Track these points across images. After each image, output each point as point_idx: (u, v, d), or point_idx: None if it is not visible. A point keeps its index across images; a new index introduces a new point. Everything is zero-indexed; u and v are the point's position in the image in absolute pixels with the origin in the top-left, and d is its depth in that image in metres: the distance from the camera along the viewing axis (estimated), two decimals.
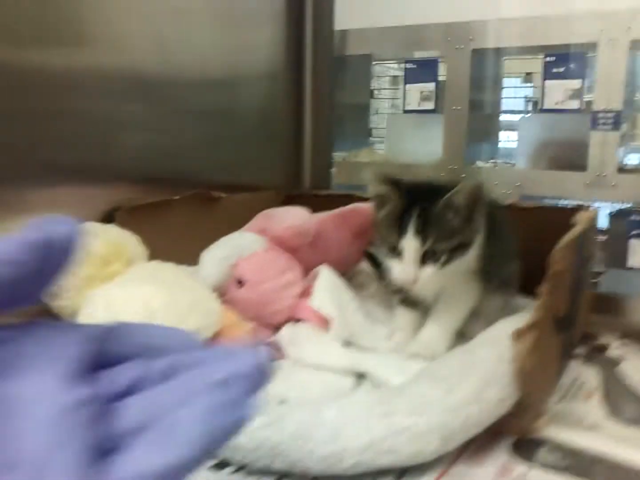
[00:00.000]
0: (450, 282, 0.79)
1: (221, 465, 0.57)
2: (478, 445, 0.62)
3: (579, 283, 0.84)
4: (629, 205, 1.46)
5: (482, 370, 0.59)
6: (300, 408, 0.56)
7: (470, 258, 0.78)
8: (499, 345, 0.62)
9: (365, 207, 0.94)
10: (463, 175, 0.94)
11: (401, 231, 0.74)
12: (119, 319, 0.63)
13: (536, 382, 0.61)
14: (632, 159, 2.11)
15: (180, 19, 1.03)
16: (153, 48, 0.99)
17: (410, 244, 0.73)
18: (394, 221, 0.75)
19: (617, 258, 1.29)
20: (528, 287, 0.91)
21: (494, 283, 0.85)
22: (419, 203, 0.74)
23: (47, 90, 0.82)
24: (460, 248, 0.76)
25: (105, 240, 0.75)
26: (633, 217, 1.35)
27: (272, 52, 1.28)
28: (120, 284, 0.69)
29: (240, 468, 0.56)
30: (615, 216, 1.28)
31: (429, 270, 0.74)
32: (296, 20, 1.32)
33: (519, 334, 0.59)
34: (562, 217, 0.82)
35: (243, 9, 1.18)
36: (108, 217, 0.89)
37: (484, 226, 0.80)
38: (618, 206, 1.34)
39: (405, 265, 0.74)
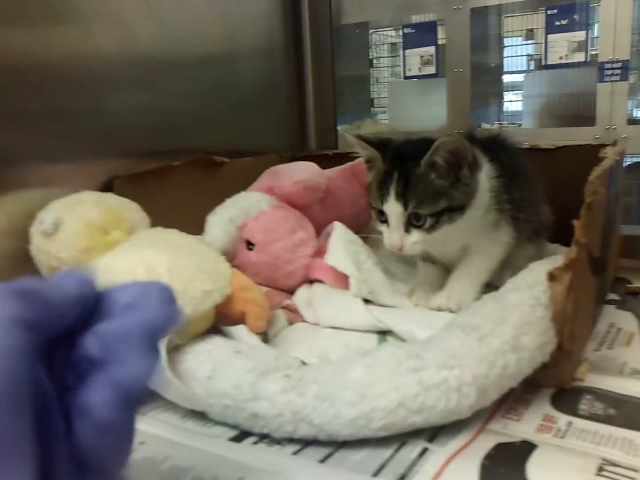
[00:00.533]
0: (474, 235, 0.75)
1: (241, 436, 0.53)
2: (514, 399, 0.57)
3: (611, 223, 0.79)
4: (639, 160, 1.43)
5: (516, 316, 0.54)
6: (323, 369, 0.52)
7: (481, 213, 0.73)
8: (533, 289, 0.57)
9: None
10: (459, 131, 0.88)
11: (384, 195, 0.70)
12: None
13: (576, 326, 0.57)
14: None
15: None
16: (149, 22, 0.96)
17: (392, 208, 0.69)
18: (378, 184, 0.71)
19: (630, 213, 1.26)
20: (556, 234, 0.87)
21: (525, 233, 0.80)
22: (400, 165, 0.69)
23: (43, 66, 0.78)
24: (451, 211, 0.70)
25: (102, 208, 0.70)
26: None
27: (270, 24, 1.26)
28: (121, 251, 0.65)
29: (262, 438, 0.52)
30: (627, 169, 1.24)
31: (415, 235, 0.70)
32: None
33: (555, 274, 0.54)
34: (586, 156, 0.76)
35: None
36: (106, 187, 0.85)
37: (505, 173, 0.75)
38: (629, 159, 1.31)
39: (391, 231, 0.71)
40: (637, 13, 1.36)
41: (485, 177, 0.73)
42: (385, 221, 0.71)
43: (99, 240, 0.68)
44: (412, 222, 0.70)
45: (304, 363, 0.59)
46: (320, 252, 0.82)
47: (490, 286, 0.77)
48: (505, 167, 0.76)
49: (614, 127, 1.26)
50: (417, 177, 0.68)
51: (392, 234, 0.70)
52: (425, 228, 0.69)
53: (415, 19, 1.82)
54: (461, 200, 0.70)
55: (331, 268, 0.76)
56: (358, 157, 0.94)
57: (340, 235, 0.80)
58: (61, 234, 0.68)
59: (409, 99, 1.92)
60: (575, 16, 1.45)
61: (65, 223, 0.68)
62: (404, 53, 1.73)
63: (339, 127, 1.43)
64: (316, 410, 0.49)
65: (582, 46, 1.46)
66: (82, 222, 0.68)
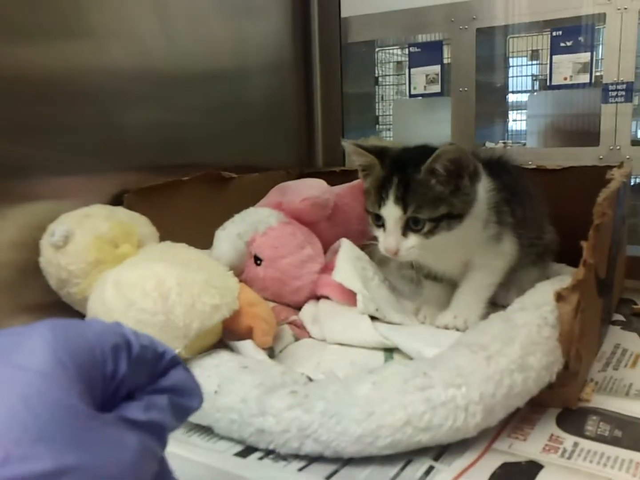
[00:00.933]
0: (475, 250, 0.75)
1: (247, 451, 0.53)
2: (520, 419, 0.57)
3: (617, 244, 0.79)
4: None
5: (523, 335, 0.55)
6: (330, 385, 0.52)
7: (480, 226, 0.73)
8: (540, 309, 0.58)
9: None
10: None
11: (382, 199, 0.70)
12: (130, 300, 0.59)
13: (582, 346, 0.57)
14: None
15: (189, 9, 1.02)
16: (163, 38, 0.97)
17: (390, 211, 0.70)
18: (376, 189, 0.72)
19: (634, 233, 1.26)
20: (562, 254, 0.87)
21: (529, 255, 0.80)
22: (400, 170, 0.70)
23: (55, 79, 0.79)
24: (449, 218, 0.70)
25: (112, 222, 0.71)
26: None
27: (281, 41, 1.27)
28: (130, 265, 0.65)
29: (268, 454, 0.52)
30: (630, 190, 1.25)
31: (412, 240, 0.70)
32: (302, 9, 1.31)
33: (562, 295, 0.54)
34: (591, 178, 0.77)
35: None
36: (116, 201, 0.85)
37: (505, 188, 0.75)
38: (633, 180, 1.31)
39: (387, 235, 0.71)
40: None
41: (483, 189, 0.74)
42: (381, 225, 0.72)
43: (108, 253, 0.69)
44: (410, 226, 0.70)
45: (310, 379, 0.59)
46: (327, 268, 0.82)
47: (497, 306, 0.77)
48: (506, 185, 0.76)
49: (617, 147, 1.27)
50: (418, 182, 0.69)
51: (389, 238, 0.70)
52: (423, 232, 0.70)
53: (421, 38, 1.84)
54: (460, 208, 0.71)
55: (338, 284, 0.76)
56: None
57: (347, 251, 0.80)
58: (71, 246, 0.68)
59: (413, 117, 1.94)
60: (580, 38, 1.46)
61: (75, 236, 0.68)
62: (409, 71, 1.74)
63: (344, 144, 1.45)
64: (323, 427, 0.49)
65: (587, 67, 1.47)
66: (92, 235, 0.69)
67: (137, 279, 0.61)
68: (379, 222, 0.72)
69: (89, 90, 0.83)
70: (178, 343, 0.60)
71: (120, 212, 0.76)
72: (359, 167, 0.77)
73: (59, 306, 0.71)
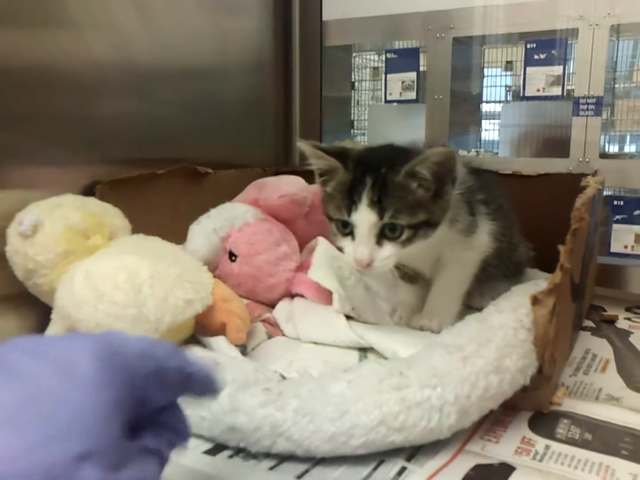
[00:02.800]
0: (447, 245, 0.71)
1: (216, 449, 0.52)
2: (493, 421, 0.58)
3: (591, 251, 0.80)
4: (610, 193, 1.47)
5: (500, 337, 0.55)
6: (305, 383, 0.52)
7: (445, 225, 0.68)
8: (516, 312, 0.58)
9: None
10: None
11: (351, 203, 0.62)
12: (100, 292, 0.57)
13: (556, 351, 0.57)
14: (613, 145, 2.13)
15: (170, 3, 1.00)
16: (143, 31, 0.95)
17: (364, 217, 0.62)
18: (344, 193, 0.64)
19: (600, 243, 1.29)
20: (535, 259, 0.88)
21: (501, 269, 0.79)
22: (373, 171, 0.63)
23: (31, 68, 0.77)
24: (426, 226, 0.64)
25: (84, 213, 0.69)
26: (616, 203, 1.36)
27: (262, 40, 1.26)
28: (101, 257, 0.63)
29: (238, 452, 0.51)
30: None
31: (388, 249, 0.63)
32: (284, 11, 1.30)
33: (538, 298, 0.54)
34: (565, 185, 0.78)
35: None
36: (89, 192, 0.83)
37: (484, 190, 0.74)
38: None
39: (358, 244, 0.62)
40: (611, 52, 1.42)
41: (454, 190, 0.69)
42: (348, 234, 0.64)
43: (78, 244, 0.67)
44: (385, 234, 0.63)
45: (283, 377, 0.59)
46: (303, 266, 0.81)
47: (472, 308, 0.78)
48: (482, 184, 0.74)
49: (587, 160, 1.29)
50: (396, 184, 0.62)
51: (360, 247, 0.62)
52: (401, 241, 0.63)
53: (398, 44, 1.86)
54: (438, 216, 0.66)
55: (313, 283, 0.75)
56: None
57: (324, 250, 0.79)
58: (40, 236, 0.66)
59: (388, 123, 1.95)
60: (554, 51, 1.49)
61: (44, 225, 0.66)
62: (385, 77, 1.75)
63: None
64: (296, 425, 0.48)
65: (559, 80, 1.50)
66: (62, 225, 0.67)
67: (109, 270, 0.60)
68: (346, 229, 0.64)
69: (64, 80, 0.82)
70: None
71: (92, 203, 0.74)
72: (316, 170, 0.69)
73: (25, 297, 0.69)
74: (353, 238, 0.64)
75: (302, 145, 0.67)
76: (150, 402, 0.34)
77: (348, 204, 0.63)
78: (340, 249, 0.67)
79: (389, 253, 0.63)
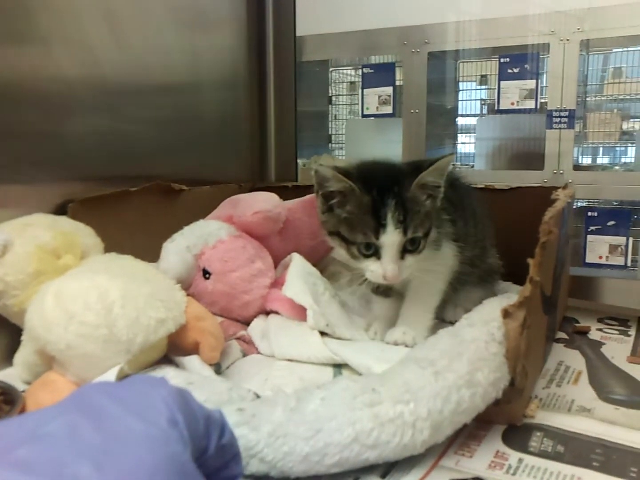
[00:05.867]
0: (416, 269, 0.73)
1: None
2: (467, 435, 0.58)
3: (562, 263, 0.81)
4: (584, 204, 1.50)
5: (471, 351, 0.55)
6: (278, 402, 0.51)
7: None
8: (488, 325, 0.58)
9: None
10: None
11: (380, 226, 0.65)
12: (71, 313, 0.56)
13: (528, 363, 0.57)
14: (586, 157, 2.17)
15: (142, 20, 1.00)
16: (113, 47, 0.95)
17: (392, 238, 0.65)
18: (366, 216, 0.66)
19: (575, 255, 1.31)
20: (508, 272, 0.89)
21: (473, 276, 0.81)
22: (389, 190, 0.66)
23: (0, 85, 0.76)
24: (430, 232, 0.70)
25: (55, 232, 0.68)
26: (590, 214, 1.38)
27: (235, 56, 1.27)
28: (72, 276, 0.62)
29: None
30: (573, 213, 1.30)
31: (409, 261, 0.68)
32: (257, 26, 1.31)
33: (509, 311, 0.55)
34: (537, 198, 0.79)
35: (204, 13, 1.16)
36: (60, 211, 0.82)
37: (451, 205, 0.76)
38: (574, 204, 1.37)
39: (388, 263, 0.66)
40: (582, 67, 1.45)
41: None
42: (372, 255, 0.67)
43: (49, 264, 0.66)
44: (406, 248, 0.67)
45: (257, 396, 0.58)
46: (277, 283, 0.81)
47: (445, 322, 0.78)
48: (450, 198, 0.76)
49: (561, 172, 1.31)
50: (411, 200, 0.66)
51: (391, 265, 0.66)
52: (418, 250, 0.68)
53: (375, 59, 1.88)
54: (436, 220, 0.70)
55: (288, 299, 0.75)
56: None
57: (298, 266, 0.79)
58: (9, 256, 0.65)
59: (366, 137, 1.96)
60: (526, 65, 1.52)
61: (14, 245, 0.66)
62: (362, 92, 1.77)
63: (298, 160, 1.45)
64: (269, 447, 0.48)
65: (533, 94, 1.52)
66: (33, 245, 0.66)
67: (79, 290, 0.59)
68: (369, 251, 0.67)
69: (34, 97, 0.81)
70: (121, 358, 0.58)
71: (64, 221, 0.73)
72: (327, 192, 0.70)
73: None
74: (378, 257, 0.67)
75: (324, 170, 0.68)
76: (211, 457, 0.36)
77: (375, 226, 0.66)
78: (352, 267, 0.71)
79: (410, 263, 0.68)
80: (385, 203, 0.65)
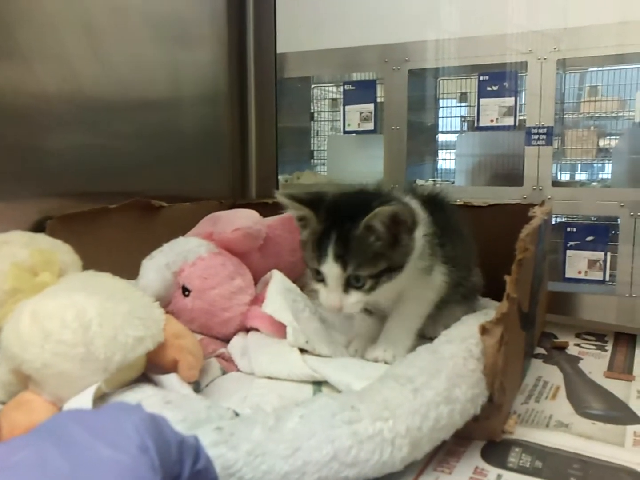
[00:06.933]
0: (408, 281, 0.74)
1: None
2: (446, 452, 0.58)
3: (539, 279, 0.82)
4: (564, 220, 1.52)
5: (450, 368, 0.55)
6: (256, 420, 0.51)
7: (414, 262, 0.72)
8: (466, 342, 0.59)
9: None
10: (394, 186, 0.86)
11: (321, 256, 0.68)
12: (47, 331, 0.55)
13: (506, 379, 0.58)
14: (564, 173, 2.21)
15: (122, 35, 1.00)
16: (93, 62, 0.95)
17: (331, 270, 0.67)
18: (315, 244, 0.69)
19: (555, 270, 1.32)
20: (487, 288, 0.90)
21: (456, 295, 0.81)
22: (338, 225, 0.67)
23: None
24: (389, 272, 0.69)
25: (32, 249, 0.68)
26: (569, 229, 1.40)
27: (216, 72, 1.28)
28: (49, 294, 0.62)
29: None
30: (552, 227, 1.33)
31: (354, 296, 0.68)
32: (238, 43, 1.33)
33: (487, 328, 0.56)
34: (515, 214, 0.80)
35: (185, 29, 1.17)
36: (39, 227, 0.82)
37: (439, 226, 0.77)
38: (554, 219, 1.39)
39: (329, 292, 0.69)
40: (559, 85, 1.48)
41: (419, 233, 0.73)
42: (322, 280, 0.69)
43: (26, 282, 0.65)
44: (351, 283, 0.68)
45: (236, 414, 0.58)
46: (257, 299, 0.81)
47: (425, 338, 0.78)
48: (439, 222, 0.77)
49: (540, 188, 1.33)
50: (356, 239, 0.67)
51: (331, 295, 0.68)
52: (365, 289, 0.68)
53: (356, 76, 1.89)
54: (400, 261, 0.70)
55: (268, 316, 0.75)
56: None
57: (278, 283, 0.79)
58: None
59: (347, 153, 1.97)
60: (505, 83, 1.54)
61: None
62: (344, 109, 1.78)
63: (280, 177, 1.45)
64: (248, 466, 0.47)
65: (511, 111, 1.55)
66: (9, 263, 0.65)
67: (56, 308, 0.58)
68: (319, 276, 0.69)
69: (12, 112, 0.81)
70: (98, 377, 0.58)
71: (41, 239, 0.72)
72: (295, 216, 0.74)
73: None
74: (325, 284, 0.69)
75: (279, 197, 0.72)
76: None
77: (318, 255, 0.68)
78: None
79: (356, 300, 0.69)
80: (329, 236, 0.67)
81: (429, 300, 0.77)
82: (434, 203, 0.81)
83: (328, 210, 0.70)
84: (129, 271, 0.77)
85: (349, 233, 0.67)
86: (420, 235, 0.73)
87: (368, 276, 0.68)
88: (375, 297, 0.70)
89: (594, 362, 0.86)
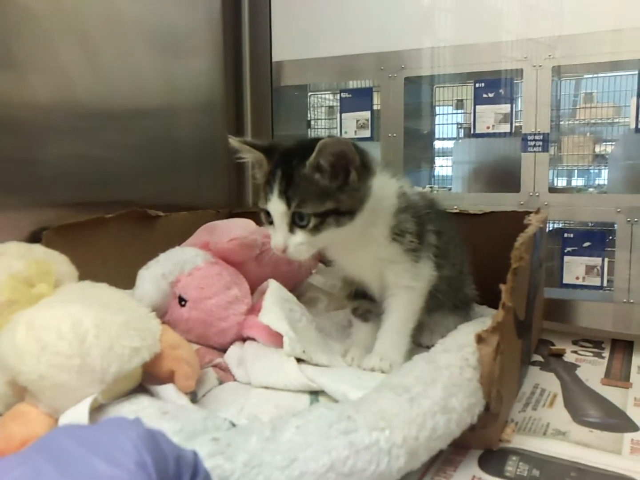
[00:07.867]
0: (392, 264, 0.74)
1: None
2: (443, 461, 0.58)
3: (535, 287, 0.83)
4: (561, 226, 1.52)
5: (446, 377, 0.55)
6: (253, 431, 0.51)
7: (381, 227, 0.72)
8: (462, 351, 0.59)
9: None
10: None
11: (267, 194, 0.69)
12: (43, 343, 0.55)
13: (503, 387, 0.58)
14: (561, 179, 2.21)
15: (116, 45, 1.00)
16: (88, 72, 0.95)
17: (275, 206, 0.68)
18: (263, 185, 0.70)
19: (552, 276, 1.32)
20: (484, 296, 0.90)
21: (448, 303, 0.81)
22: (285, 164, 0.69)
23: None
24: (337, 214, 0.68)
25: (28, 260, 0.68)
26: (566, 235, 1.40)
27: (212, 81, 1.28)
28: (45, 305, 0.62)
29: None
30: (549, 234, 1.33)
31: (299, 236, 0.68)
32: (234, 52, 1.33)
33: (483, 337, 0.56)
34: (511, 222, 0.80)
35: (180, 38, 1.18)
36: (35, 238, 0.82)
37: (436, 235, 0.77)
38: (551, 225, 1.39)
39: (276, 232, 0.69)
40: (555, 92, 1.49)
41: (391, 191, 0.74)
42: (272, 222, 0.70)
43: (22, 293, 0.65)
44: (295, 222, 0.68)
45: (233, 424, 0.58)
46: (254, 309, 0.81)
47: (422, 346, 0.78)
48: (435, 222, 0.77)
49: (537, 194, 1.34)
50: (301, 176, 0.67)
51: (276, 235, 0.69)
52: (309, 228, 0.68)
53: (352, 84, 1.90)
54: (349, 204, 0.69)
55: (265, 326, 0.75)
56: None
57: (275, 293, 0.79)
58: None
59: None
60: (501, 90, 1.55)
61: None
62: (340, 116, 1.78)
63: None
64: (245, 476, 0.47)
65: (507, 118, 1.56)
66: (5, 274, 0.65)
67: (52, 320, 0.58)
68: (269, 218, 0.70)
69: (7, 123, 0.81)
70: (94, 388, 0.57)
71: (37, 250, 0.72)
72: (251, 163, 0.76)
73: None
74: (274, 226, 0.70)
75: (232, 141, 0.73)
76: None
77: (265, 194, 0.70)
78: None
79: (301, 240, 0.68)
80: (275, 173, 0.69)
81: (419, 292, 0.76)
82: (438, 212, 0.82)
83: (280, 153, 0.71)
84: (125, 281, 0.77)
85: (295, 171, 0.68)
86: (394, 195, 0.74)
87: (313, 214, 0.68)
88: (323, 241, 0.70)
89: (591, 370, 0.86)
